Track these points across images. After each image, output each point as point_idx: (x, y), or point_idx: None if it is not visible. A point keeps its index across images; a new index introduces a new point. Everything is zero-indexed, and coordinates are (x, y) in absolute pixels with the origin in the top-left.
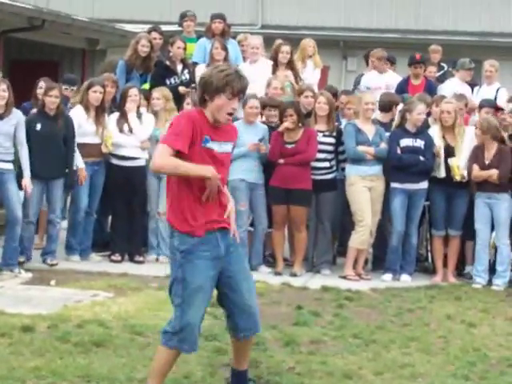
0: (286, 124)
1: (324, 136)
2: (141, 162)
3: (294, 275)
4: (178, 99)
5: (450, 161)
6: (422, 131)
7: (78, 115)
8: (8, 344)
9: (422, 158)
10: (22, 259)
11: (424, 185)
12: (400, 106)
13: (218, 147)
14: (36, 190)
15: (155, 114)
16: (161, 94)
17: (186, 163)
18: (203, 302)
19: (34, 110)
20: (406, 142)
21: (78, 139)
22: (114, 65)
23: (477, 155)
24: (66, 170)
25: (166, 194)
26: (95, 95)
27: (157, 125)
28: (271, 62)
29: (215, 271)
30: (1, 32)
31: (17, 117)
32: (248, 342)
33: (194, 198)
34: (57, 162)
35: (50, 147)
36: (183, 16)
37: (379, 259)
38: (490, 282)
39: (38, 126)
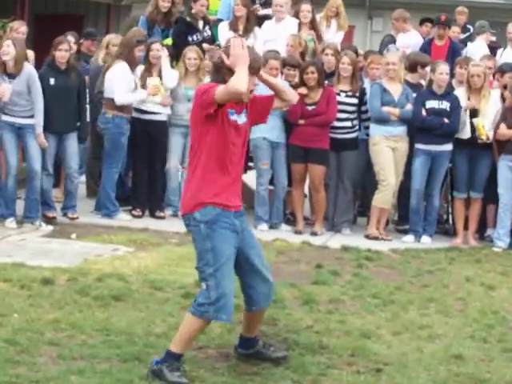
0: (300, 90)
1: (347, 96)
2: (162, 117)
3: (314, 234)
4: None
5: (475, 120)
6: (448, 93)
7: (125, 71)
8: (27, 296)
9: (446, 120)
10: (50, 214)
11: (448, 147)
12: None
13: (238, 119)
14: (51, 143)
15: (186, 72)
16: (196, 54)
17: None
18: (233, 270)
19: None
20: (431, 103)
21: (130, 96)
22: (138, 20)
23: (505, 116)
24: (78, 124)
25: (189, 165)
26: (139, 54)
27: (189, 83)
28: (297, 21)
29: (236, 244)
30: None
31: (28, 73)
32: (262, 313)
33: (219, 171)
34: (70, 116)
35: (64, 101)
36: None
37: (404, 220)
38: (510, 246)
39: (52, 81)
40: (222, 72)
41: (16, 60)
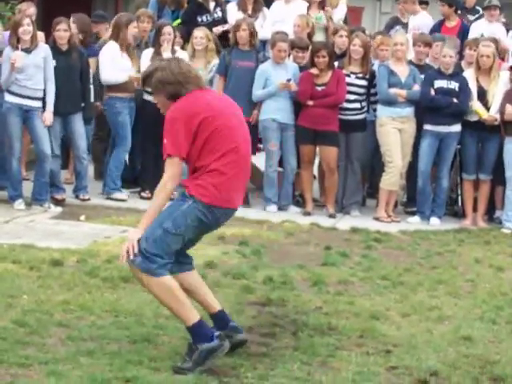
0: (312, 70)
1: (357, 78)
2: None
3: (331, 216)
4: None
5: (471, 105)
6: (457, 73)
7: (113, 51)
8: (37, 277)
9: (455, 100)
10: (59, 196)
11: (457, 128)
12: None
13: None
14: (56, 124)
15: (194, 52)
16: (204, 34)
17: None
18: None
19: None
20: (440, 83)
21: (113, 75)
22: (147, 1)
23: (511, 97)
24: (83, 104)
25: None
26: (134, 31)
27: (197, 64)
28: (306, 3)
29: None
30: None
31: (44, 50)
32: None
33: None
34: (74, 97)
35: (67, 82)
36: None
37: (413, 202)
38: None
39: (54, 62)
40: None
41: (32, 35)
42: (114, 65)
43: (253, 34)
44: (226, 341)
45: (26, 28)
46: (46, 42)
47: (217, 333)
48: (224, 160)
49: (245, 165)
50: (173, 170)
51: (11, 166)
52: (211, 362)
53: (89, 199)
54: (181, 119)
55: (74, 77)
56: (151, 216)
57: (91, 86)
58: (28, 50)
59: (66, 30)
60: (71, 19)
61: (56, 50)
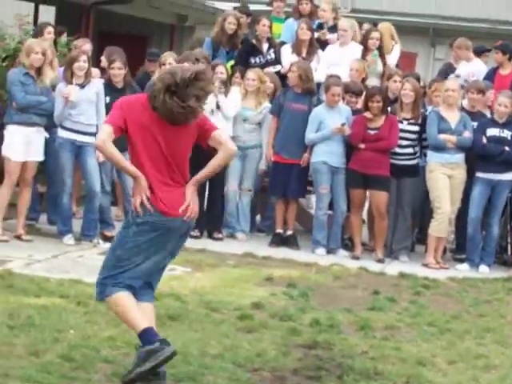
0: (365, 114)
1: (409, 124)
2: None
3: (380, 261)
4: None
5: None
6: (509, 122)
7: None
8: (84, 313)
9: (507, 149)
10: (108, 233)
11: (508, 176)
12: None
13: None
14: (108, 162)
15: (246, 93)
16: (256, 75)
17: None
18: None
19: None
20: (492, 131)
21: None
22: (202, 41)
23: None
24: None
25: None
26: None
27: (248, 104)
28: (361, 47)
29: None
30: (91, 4)
31: (97, 85)
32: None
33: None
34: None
35: None
36: None
37: (462, 249)
38: None
39: (107, 99)
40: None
41: (87, 71)
42: None
43: (303, 76)
44: (170, 346)
45: (82, 64)
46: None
47: (161, 338)
48: None
49: None
50: None
51: (62, 202)
52: (151, 364)
53: None
54: None
55: None
56: None
57: None
58: (81, 85)
59: (121, 67)
60: (104, 52)
61: (111, 87)
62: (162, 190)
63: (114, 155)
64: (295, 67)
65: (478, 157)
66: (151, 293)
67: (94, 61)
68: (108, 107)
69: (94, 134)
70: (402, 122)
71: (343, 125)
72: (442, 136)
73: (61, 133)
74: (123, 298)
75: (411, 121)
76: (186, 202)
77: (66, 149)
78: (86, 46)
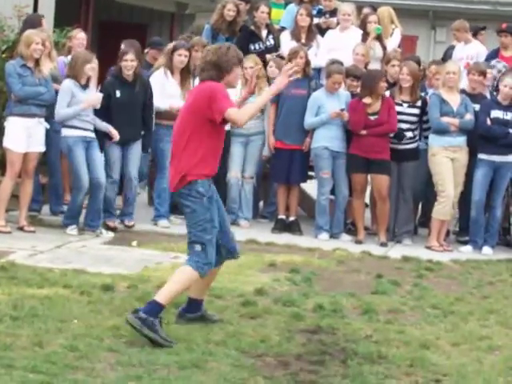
0: (365, 100)
1: (408, 107)
2: (225, 127)
3: (383, 245)
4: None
5: None
6: None
7: (160, 78)
8: (87, 302)
9: (511, 131)
10: (111, 223)
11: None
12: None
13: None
14: (115, 151)
15: (246, 82)
16: (253, 62)
17: (254, 103)
18: None
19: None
20: (496, 113)
21: (162, 101)
22: (202, 29)
23: None
24: (142, 132)
25: (184, 149)
26: (180, 58)
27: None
28: (361, 32)
29: None
30: None
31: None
32: (218, 270)
33: (211, 153)
34: (134, 127)
35: (128, 113)
36: None
37: (465, 231)
38: None
39: (118, 93)
40: (216, 70)
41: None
42: (161, 92)
43: (308, 62)
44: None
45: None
46: (102, 66)
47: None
48: None
49: None
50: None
51: (76, 199)
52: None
53: (133, 225)
54: None
55: (136, 107)
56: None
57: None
58: (85, 86)
59: (133, 60)
60: (122, 45)
61: (121, 80)
62: None
63: (253, 112)
64: (303, 53)
65: (481, 139)
66: None
67: (95, 49)
68: (118, 102)
69: (94, 129)
70: (401, 105)
71: (342, 110)
72: (445, 119)
73: (71, 132)
74: None
75: (410, 104)
76: None
77: (79, 147)
78: (80, 34)
